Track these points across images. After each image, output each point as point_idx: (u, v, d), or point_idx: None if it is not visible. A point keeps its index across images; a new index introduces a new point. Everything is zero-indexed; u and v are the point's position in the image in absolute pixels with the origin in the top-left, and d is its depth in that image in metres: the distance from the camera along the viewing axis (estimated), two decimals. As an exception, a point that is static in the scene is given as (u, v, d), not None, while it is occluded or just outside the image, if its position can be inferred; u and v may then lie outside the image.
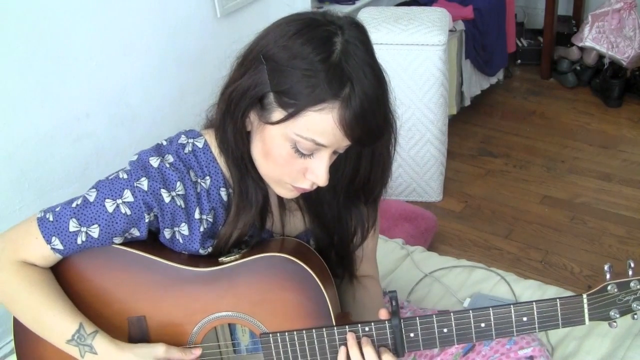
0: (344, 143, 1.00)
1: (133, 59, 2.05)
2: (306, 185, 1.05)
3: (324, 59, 0.95)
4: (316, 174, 1.02)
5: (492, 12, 3.14)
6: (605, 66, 3.36)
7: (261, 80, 0.98)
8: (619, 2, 3.30)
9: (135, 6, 2.01)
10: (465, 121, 3.25)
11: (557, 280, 2.25)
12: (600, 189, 2.73)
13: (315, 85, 0.95)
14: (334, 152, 1.04)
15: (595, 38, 3.38)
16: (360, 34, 1.00)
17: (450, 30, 2.73)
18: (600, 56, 3.42)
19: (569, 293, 1.75)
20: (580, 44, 3.44)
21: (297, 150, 1.00)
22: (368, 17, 2.63)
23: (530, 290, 1.76)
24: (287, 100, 0.96)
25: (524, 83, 3.62)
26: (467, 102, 3.17)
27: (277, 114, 0.98)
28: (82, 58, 1.89)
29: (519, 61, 3.74)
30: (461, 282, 1.82)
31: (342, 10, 2.91)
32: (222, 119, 1.05)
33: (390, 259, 1.92)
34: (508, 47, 3.39)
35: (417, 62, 2.51)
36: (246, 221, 1.11)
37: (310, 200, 1.17)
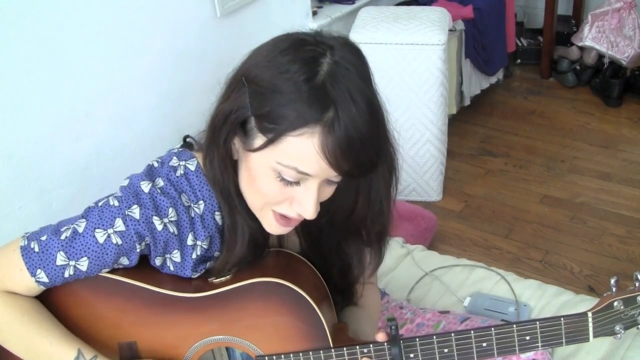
0: (332, 173, 0.93)
1: (133, 59, 2.05)
2: (292, 213, 0.98)
3: (307, 79, 0.88)
4: (304, 206, 0.96)
5: (492, 12, 3.13)
6: (605, 66, 3.35)
7: (242, 103, 0.93)
8: (618, 2, 3.30)
9: (135, 6, 2.01)
10: (465, 121, 3.25)
11: (557, 279, 2.25)
12: (600, 189, 2.73)
13: (295, 109, 0.88)
14: (328, 182, 0.97)
15: (595, 38, 3.38)
16: (353, 56, 0.93)
17: (450, 30, 2.73)
18: (600, 56, 3.42)
19: (568, 292, 1.75)
20: (580, 44, 3.44)
21: (282, 179, 0.94)
22: (368, 17, 2.63)
23: (530, 289, 1.76)
24: (267, 125, 0.90)
25: (524, 83, 3.62)
26: (467, 102, 3.17)
27: (258, 140, 0.93)
28: (82, 58, 1.88)
29: (518, 61, 3.73)
30: (461, 281, 1.82)
31: (342, 10, 2.91)
32: (208, 148, 1.01)
33: (391, 257, 1.92)
34: (508, 47, 3.39)
35: (417, 62, 2.50)
36: (237, 259, 1.07)
37: (308, 227, 1.11)
